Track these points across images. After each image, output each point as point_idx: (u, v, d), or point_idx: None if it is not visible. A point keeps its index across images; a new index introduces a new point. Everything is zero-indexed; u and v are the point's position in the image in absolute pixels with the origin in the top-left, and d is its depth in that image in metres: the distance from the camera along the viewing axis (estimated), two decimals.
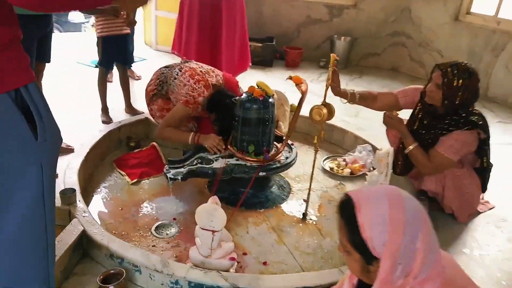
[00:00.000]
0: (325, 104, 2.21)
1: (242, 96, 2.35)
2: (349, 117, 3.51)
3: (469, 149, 2.19)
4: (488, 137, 2.22)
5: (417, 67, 5.24)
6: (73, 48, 5.18)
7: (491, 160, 2.34)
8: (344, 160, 2.99)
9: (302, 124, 3.20)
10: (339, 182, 2.80)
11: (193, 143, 2.51)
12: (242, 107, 2.31)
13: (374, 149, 2.91)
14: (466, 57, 4.68)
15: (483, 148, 2.23)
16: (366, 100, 2.51)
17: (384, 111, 2.43)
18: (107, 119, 3.16)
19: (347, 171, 2.87)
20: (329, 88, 2.29)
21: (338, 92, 2.44)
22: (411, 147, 2.26)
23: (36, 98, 1.14)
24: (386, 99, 2.52)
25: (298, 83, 2.39)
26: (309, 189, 2.34)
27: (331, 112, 2.26)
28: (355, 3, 5.27)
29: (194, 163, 2.36)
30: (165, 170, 2.29)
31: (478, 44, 4.60)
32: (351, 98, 2.49)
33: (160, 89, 2.76)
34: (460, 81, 2.08)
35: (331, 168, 2.92)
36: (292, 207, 2.48)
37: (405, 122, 2.39)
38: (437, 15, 4.92)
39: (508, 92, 4.42)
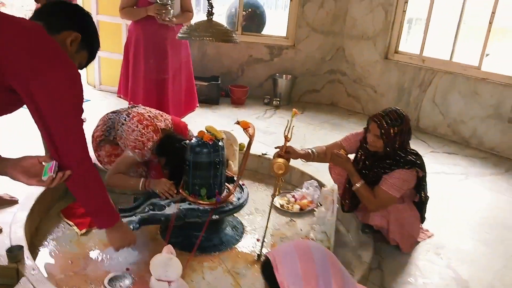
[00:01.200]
0: (284, 157, 2.37)
1: (192, 141, 2.37)
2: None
3: (409, 186, 2.38)
4: (425, 174, 2.43)
5: (353, 102, 5.57)
6: None
7: (428, 191, 2.53)
8: (293, 196, 3.08)
9: (250, 162, 3.27)
10: (290, 218, 2.88)
11: (144, 189, 2.50)
12: (193, 151, 2.33)
13: (320, 184, 3.05)
14: (397, 92, 5.08)
15: (421, 184, 2.44)
16: (319, 156, 2.64)
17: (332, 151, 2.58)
18: None
19: (296, 207, 2.97)
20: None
21: (298, 156, 2.55)
22: (358, 185, 2.41)
23: None
24: (335, 150, 2.64)
25: (245, 127, 2.49)
26: (265, 232, 2.40)
27: (289, 163, 2.41)
28: (293, 44, 5.56)
29: (146, 210, 2.33)
30: None
31: (406, 80, 5.01)
32: (311, 158, 2.60)
33: (107, 134, 2.74)
34: (396, 128, 2.30)
35: (281, 205, 3.00)
36: (247, 247, 2.51)
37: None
38: (368, 54, 5.30)
39: (436, 124, 4.82)
